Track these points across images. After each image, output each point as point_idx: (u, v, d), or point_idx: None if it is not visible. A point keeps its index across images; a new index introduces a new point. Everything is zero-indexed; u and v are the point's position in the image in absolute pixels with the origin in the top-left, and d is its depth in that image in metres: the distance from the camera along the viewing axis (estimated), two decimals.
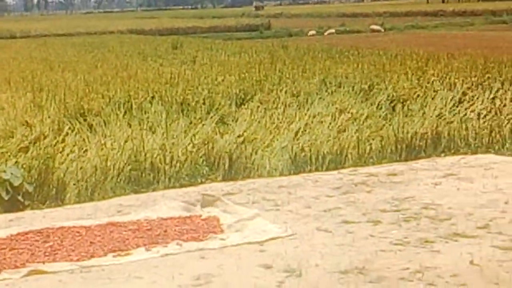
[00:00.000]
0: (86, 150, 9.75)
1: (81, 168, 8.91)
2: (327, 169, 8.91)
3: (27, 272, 5.09)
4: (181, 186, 8.36)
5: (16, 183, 7.75)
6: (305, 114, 11.67)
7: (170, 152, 9.47)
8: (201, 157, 9.54)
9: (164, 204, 6.75)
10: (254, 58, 21.96)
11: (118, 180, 8.71)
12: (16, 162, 9.01)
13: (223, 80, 15.92)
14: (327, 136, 10.32)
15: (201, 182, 8.58)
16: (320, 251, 5.38)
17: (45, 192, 8.07)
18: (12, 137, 10.59)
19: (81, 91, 14.28)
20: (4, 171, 7.91)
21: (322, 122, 11.22)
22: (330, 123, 11.08)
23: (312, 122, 11.22)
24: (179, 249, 5.53)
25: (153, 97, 13.27)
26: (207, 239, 5.71)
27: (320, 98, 13.12)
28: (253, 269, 5.10)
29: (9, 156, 9.54)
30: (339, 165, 9.08)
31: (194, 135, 10.50)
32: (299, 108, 12.36)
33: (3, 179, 7.77)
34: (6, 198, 7.68)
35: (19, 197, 7.74)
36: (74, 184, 8.48)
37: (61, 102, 12.97)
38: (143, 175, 8.85)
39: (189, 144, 9.95)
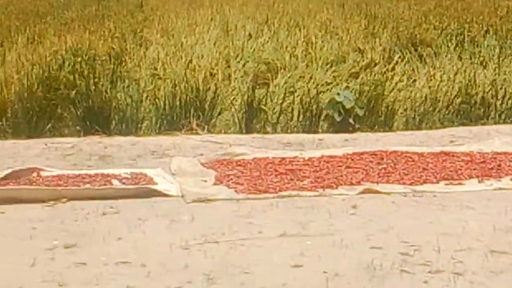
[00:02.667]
0: (414, 80, 9.74)
1: (409, 97, 8.94)
2: None
3: (362, 190, 5.24)
4: None
5: (348, 106, 8.00)
6: None
7: (501, 88, 9.21)
8: None
9: (498, 138, 6.61)
10: None
11: (447, 112, 8.66)
12: (347, 86, 9.24)
13: None
14: None
15: None
16: None
17: (374, 118, 8.22)
18: (344, 62, 10.82)
19: (414, 21, 14.19)
20: (338, 94, 8.20)
21: None
22: None
23: None
24: None
25: (487, 31, 12.91)
26: None
27: None
28: None
29: (341, 80, 9.79)
30: None
31: None
32: None
33: (336, 101, 8.05)
34: (338, 120, 7.97)
35: (350, 120, 7.99)
36: (401, 113, 8.56)
37: (393, 31, 13.02)
38: (473, 109, 8.71)
39: None
